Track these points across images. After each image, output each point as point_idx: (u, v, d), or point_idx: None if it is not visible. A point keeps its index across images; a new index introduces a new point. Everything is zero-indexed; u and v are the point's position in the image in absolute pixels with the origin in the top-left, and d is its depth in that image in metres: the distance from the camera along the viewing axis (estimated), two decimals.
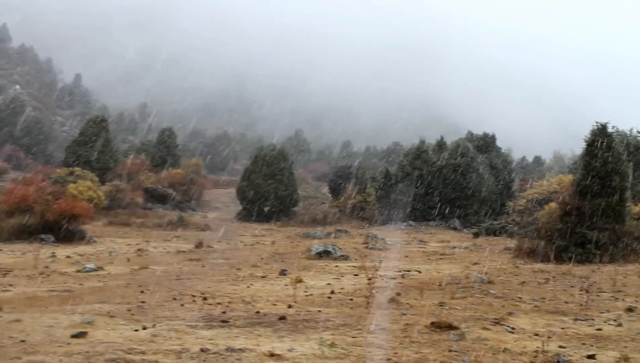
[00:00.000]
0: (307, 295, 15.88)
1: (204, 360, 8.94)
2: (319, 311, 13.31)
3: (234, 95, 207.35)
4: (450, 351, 9.67)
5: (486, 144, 65.00)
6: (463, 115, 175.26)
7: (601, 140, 29.38)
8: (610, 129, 30.77)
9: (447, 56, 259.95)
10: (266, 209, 56.98)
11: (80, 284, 17.87)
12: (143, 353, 9.28)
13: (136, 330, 10.99)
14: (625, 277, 21.12)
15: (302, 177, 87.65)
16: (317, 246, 27.95)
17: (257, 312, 13.05)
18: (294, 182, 62.30)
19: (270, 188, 58.07)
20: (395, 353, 9.50)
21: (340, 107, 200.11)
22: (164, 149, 77.98)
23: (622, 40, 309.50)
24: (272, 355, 9.23)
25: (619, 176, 28.85)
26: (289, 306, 13.80)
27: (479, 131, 69.02)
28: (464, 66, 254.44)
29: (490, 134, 66.84)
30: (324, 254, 26.26)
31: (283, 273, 20.57)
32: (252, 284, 18.17)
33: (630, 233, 28.56)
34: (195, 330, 11.13)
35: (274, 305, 14.21)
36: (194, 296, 15.34)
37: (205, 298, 14.99)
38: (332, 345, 9.89)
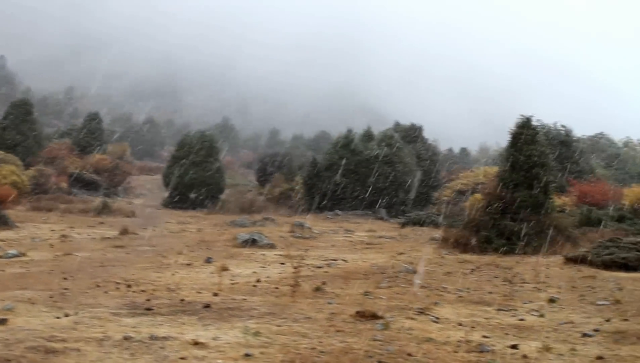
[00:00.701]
0: (232, 284, 15.73)
1: (127, 348, 8.75)
2: (244, 299, 13.19)
3: (161, 80, 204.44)
4: (374, 340, 9.64)
5: (413, 134, 65.67)
6: (391, 105, 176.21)
7: (526, 133, 29.81)
8: (534, 123, 31.28)
9: (375, 46, 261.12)
10: (192, 196, 56.46)
11: (2, 270, 17.42)
12: (64, 340, 9.04)
13: (58, 317, 10.73)
14: (548, 268, 21.48)
15: (229, 164, 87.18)
16: (243, 234, 27.77)
17: (182, 300, 12.87)
18: (221, 169, 61.87)
19: (196, 175, 57.55)
20: (320, 342, 9.45)
21: (268, 95, 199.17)
22: (89, 134, 76.51)
23: (548, 38, 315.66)
24: (196, 343, 9.09)
25: (542, 169, 29.34)
26: (214, 295, 13.65)
27: (406, 121, 69.62)
28: (392, 56, 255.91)
29: (418, 125, 67.50)
30: (250, 242, 26.06)
31: (208, 261, 20.37)
32: (177, 272, 17.93)
33: (553, 224, 29.05)
34: (118, 317, 10.90)
35: (199, 293, 14.03)
36: (118, 283, 15.07)
37: (129, 286, 14.74)
38: (257, 333, 9.79)
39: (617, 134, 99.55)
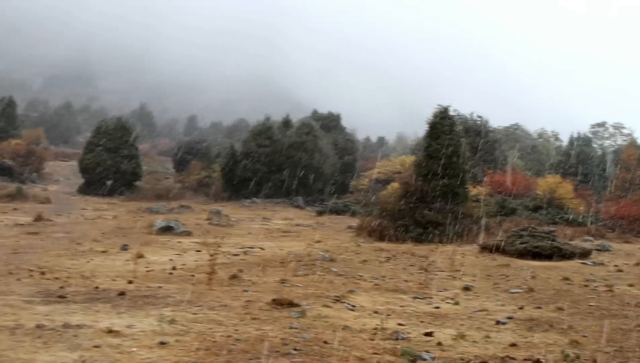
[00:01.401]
0: (148, 271, 15.45)
1: (39, 337, 8.48)
2: (160, 287, 12.97)
3: (78, 66, 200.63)
4: (291, 328, 9.56)
5: (331, 123, 65.71)
6: (309, 94, 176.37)
7: (443, 123, 30.11)
8: (451, 113, 31.64)
9: (294, 34, 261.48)
10: (109, 183, 55.47)
11: None
12: None
13: None
14: (463, 257, 21.75)
15: (146, 151, 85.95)
16: (159, 221, 27.38)
17: (96, 288, 12.59)
18: (138, 156, 60.85)
19: (113, 161, 56.51)
20: (236, 330, 9.33)
21: (186, 81, 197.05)
22: (3, 119, 74.48)
23: (466, 30, 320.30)
24: (110, 331, 8.87)
25: (458, 159, 29.68)
26: (129, 282, 13.36)
27: (324, 110, 69.66)
28: (311, 45, 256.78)
29: (336, 113, 67.61)
30: (167, 229, 25.74)
31: (124, 248, 19.99)
32: (92, 259, 17.53)
33: (468, 214, 29.47)
34: (31, 305, 10.58)
35: (114, 280, 13.73)
36: (31, 270, 14.63)
37: (42, 273, 14.32)
38: (172, 321, 9.60)
39: (532, 126, 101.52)
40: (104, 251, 19.32)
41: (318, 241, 24.89)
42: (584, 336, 10.21)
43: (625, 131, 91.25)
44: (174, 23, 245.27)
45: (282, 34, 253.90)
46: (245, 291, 12.75)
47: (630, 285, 16.62)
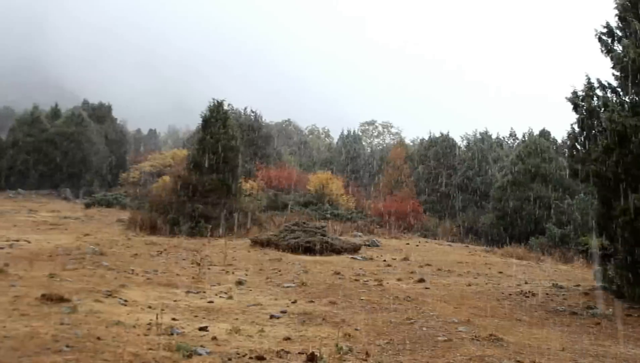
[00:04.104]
0: None
1: None
2: None
3: None
4: (62, 324, 9.10)
5: (102, 114, 64.40)
6: (80, 83, 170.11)
7: (217, 117, 30.11)
8: (226, 107, 31.71)
9: (61, 23, 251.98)
10: None
11: None
12: None
13: None
14: (235, 251, 21.83)
15: None
16: None
17: None
18: None
19: None
20: (4, 326, 8.76)
21: None
22: None
23: (244, 21, 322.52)
24: None
25: (232, 153, 29.79)
26: None
27: (95, 100, 68.16)
28: (81, 34, 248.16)
29: (107, 104, 66.31)
30: None
31: None
32: None
33: (241, 208, 29.65)
34: None
35: None
36: None
37: None
38: None
39: (304, 122, 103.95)
40: None
41: (87, 235, 24.21)
42: (357, 329, 10.45)
43: (394, 130, 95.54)
44: None
45: (49, 20, 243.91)
46: (13, 286, 12.06)
47: (399, 280, 17.32)
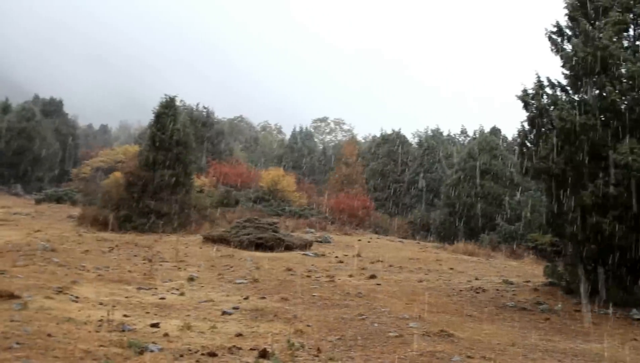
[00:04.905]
0: None
1: None
2: None
3: None
4: (12, 321, 9.02)
5: (53, 109, 63.81)
6: (30, 78, 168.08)
7: (169, 113, 29.94)
8: (178, 103, 31.57)
9: (8, 10, 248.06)
10: None
11: None
12: None
13: None
14: (187, 247, 21.78)
15: None
16: None
17: None
18: None
19: None
20: None
21: None
22: None
23: (196, 14, 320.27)
24: None
25: (184, 149, 29.66)
26: None
27: (46, 95, 67.47)
28: (31, 26, 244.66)
29: (58, 99, 65.67)
30: None
31: None
32: None
33: (193, 204, 29.57)
34: None
35: None
36: None
37: None
38: None
39: (256, 119, 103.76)
40: None
41: (38, 231, 23.93)
42: (309, 325, 10.52)
43: (346, 127, 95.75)
44: None
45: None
46: None
47: (350, 276, 17.42)
